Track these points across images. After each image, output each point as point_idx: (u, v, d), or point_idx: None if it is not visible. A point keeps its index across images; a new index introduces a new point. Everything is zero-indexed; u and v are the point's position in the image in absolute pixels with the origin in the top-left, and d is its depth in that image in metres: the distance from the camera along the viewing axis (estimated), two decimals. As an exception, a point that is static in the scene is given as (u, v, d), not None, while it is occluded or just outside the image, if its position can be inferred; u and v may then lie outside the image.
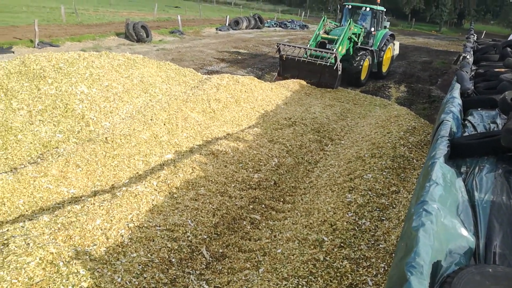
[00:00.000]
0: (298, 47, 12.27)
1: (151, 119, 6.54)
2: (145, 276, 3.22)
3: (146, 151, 5.90)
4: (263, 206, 5.01)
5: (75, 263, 3.01)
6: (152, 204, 4.33)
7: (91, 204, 3.93)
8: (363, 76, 13.20)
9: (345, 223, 4.32)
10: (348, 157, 6.37)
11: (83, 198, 4.42)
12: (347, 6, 14.29)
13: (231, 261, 3.89)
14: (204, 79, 9.37)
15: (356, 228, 4.26)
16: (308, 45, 12.63)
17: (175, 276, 3.40)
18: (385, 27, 14.77)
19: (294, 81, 11.53)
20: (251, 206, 4.93)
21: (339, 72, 11.90)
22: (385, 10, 14.47)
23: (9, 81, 6.44)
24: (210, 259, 3.84)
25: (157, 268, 3.38)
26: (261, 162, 6.05)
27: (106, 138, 5.66)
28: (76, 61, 7.06)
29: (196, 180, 5.11)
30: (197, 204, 4.59)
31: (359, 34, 13.41)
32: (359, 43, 13.53)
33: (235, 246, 4.13)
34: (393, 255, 3.67)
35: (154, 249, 3.60)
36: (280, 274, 3.57)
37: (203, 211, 4.50)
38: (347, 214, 4.50)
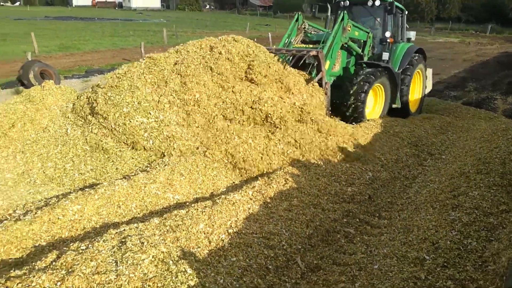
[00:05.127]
0: None
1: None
2: (244, 280, 3.36)
3: (242, 163, 6.15)
4: (358, 220, 4.93)
5: (182, 263, 3.25)
6: (249, 212, 4.50)
7: (195, 209, 4.22)
8: (374, 112, 8.40)
9: (448, 242, 4.07)
10: (451, 173, 5.99)
11: (186, 203, 4.77)
12: (341, 3, 9.18)
13: (325, 273, 3.87)
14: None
15: (461, 248, 3.99)
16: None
17: (272, 283, 3.50)
18: (409, 40, 9.94)
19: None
20: (345, 220, 4.87)
21: (327, 95, 7.39)
22: (407, 12, 9.68)
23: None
24: (305, 269, 3.87)
25: (255, 273, 3.51)
26: (354, 175, 5.95)
27: (204, 152, 6.01)
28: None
29: (289, 191, 5.20)
30: (290, 214, 4.67)
31: (365, 43, 8.72)
32: (366, 57, 8.74)
33: (329, 258, 4.12)
34: (505, 278, 3.36)
35: (252, 255, 3.74)
36: (378, 290, 3.47)
37: (296, 221, 4.56)
38: (451, 232, 4.23)
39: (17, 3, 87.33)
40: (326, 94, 7.34)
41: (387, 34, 8.69)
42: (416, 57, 9.43)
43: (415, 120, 8.89)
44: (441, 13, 58.68)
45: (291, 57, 7.68)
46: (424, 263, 3.77)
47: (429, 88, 10.76)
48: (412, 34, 10.05)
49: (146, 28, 36.52)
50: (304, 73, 7.43)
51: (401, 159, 6.71)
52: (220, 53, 6.78)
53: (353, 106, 7.77)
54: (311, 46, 8.14)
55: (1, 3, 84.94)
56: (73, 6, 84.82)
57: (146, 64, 6.84)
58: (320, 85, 7.32)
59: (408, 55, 9.08)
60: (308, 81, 7.21)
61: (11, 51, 19.85)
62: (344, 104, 7.86)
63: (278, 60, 7.36)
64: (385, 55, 8.67)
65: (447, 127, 8.88)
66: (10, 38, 25.39)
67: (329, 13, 9.55)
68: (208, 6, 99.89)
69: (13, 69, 14.73)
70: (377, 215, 5.12)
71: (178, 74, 6.59)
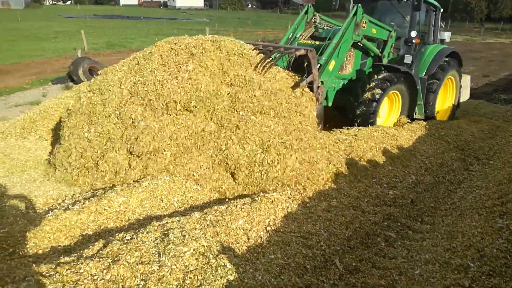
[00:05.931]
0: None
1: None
2: (282, 278, 3.38)
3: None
4: (399, 224, 4.81)
5: (222, 257, 3.32)
6: (287, 211, 4.51)
7: (234, 206, 4.28)
8: (388, 123, 7.55)
9: (494, 250, 3.89)
10: (499, 179, 5.72)
11: (226, 200, 4.85)
12: None
13: (364, 276, 3.81)
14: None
15: (508, 257, 3.81)
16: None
17: (309, 282, 3.49)
18: (442, 41, 8.87)
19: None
20: (385, 223, 4.77)
21: (319, 101, 6.20)
22: (442, 9, 8.53)
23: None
24: (343, 271, 3.83)
25: (293, 272, 3.51)
26: (396, 178, 5.82)
27: None
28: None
29: (328, 192, 5.16)
30: (329, 215, 4.63)
31: (385, 42, 7.71)
32: (385, 59, 7.77)
33: (368, 261, 4.05)
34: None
35: (290, 253, 3.75)
36: (418, 296, 3.38)
37: (335, 222, 4.52)
38: (498, 240, 4.05)
39: (68, 2, 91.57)
40: (317, 100, 6.14)
41: (413, 33, 7.56)
42: (448, 62, 8.34)
43: (461, 123, 8.56)
44: (492, 13, 56.03)
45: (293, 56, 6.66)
46: (468, 271, 3.64)
47: (465, 97, 9.66)
48: (446, 35, 8.95)
49: (189, 27, 37.27)
50: (297, 76, 6.32)
51: (446, 163, 6.48)
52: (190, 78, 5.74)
53: (362, 116, 6.94)
54: (317, 43, 7.31)
55: (54, 2, 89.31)
56: (121, 5, 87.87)
57: (88, 97, 5.84)
58: (311, 89, 6.18)
59: (438, 59, 8.04)
60: (294, 86, 6.02)
61: (62, 48, 20.87)
62: (352, 111, 7.07)
63: (260, 62, 6.01)
64: (408, 58, 7.60)
65: (496, 132, 8.48)
66: (61, 36, 26.68)
67: (350, 7, 8.30)
68: (250, 5, 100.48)
69: (63, 65, 15.51)
70: (419, 219, 4.98)
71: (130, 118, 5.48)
